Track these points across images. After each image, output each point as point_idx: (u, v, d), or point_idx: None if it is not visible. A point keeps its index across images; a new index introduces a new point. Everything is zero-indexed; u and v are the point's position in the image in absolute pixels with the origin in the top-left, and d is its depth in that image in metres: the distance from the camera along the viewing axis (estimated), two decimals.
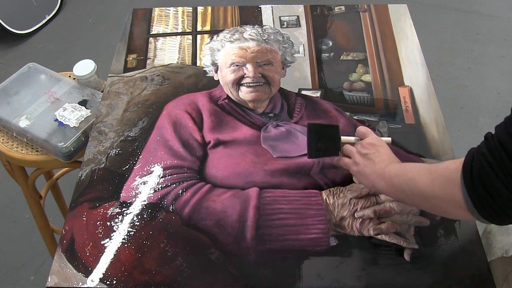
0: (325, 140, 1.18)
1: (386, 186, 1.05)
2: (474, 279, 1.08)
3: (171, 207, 1.21)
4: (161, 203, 1.22)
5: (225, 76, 1.46)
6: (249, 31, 1.56)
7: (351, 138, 1.19)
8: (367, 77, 1.54)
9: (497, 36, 3.27)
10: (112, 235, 1.16)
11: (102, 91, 1.59)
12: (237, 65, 1.46)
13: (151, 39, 1.69)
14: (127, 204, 1.22)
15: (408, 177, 1.00)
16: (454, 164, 0.89)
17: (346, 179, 1.25)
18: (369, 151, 1.12)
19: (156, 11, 1.79)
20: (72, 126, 1.48)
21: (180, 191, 1.23)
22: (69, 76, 1.71)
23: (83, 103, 1.55)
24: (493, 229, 1.17)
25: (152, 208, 1.21)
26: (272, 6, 1.77)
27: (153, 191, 1.24)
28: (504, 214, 0.83)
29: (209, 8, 1.79)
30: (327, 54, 1.62)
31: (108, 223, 1.18)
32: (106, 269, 1.10)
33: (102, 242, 1.15)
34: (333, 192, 1.21)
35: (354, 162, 1.14)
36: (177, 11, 1.79)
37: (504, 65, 3.08)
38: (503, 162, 0.80)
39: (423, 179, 0.95)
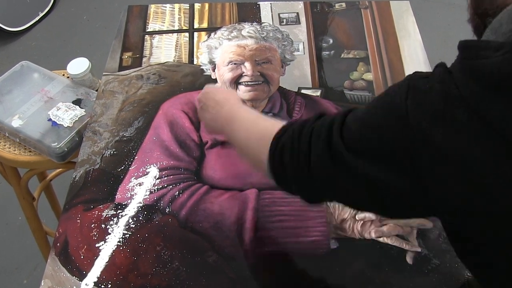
0: None
1: (221, 131, 1.13)
2: (478, 282, 1.09)
3: (167, 209, 1.21)
4: (157, 205, 1.22)
5: (223, 75, 1.46)
6: (248, 28, 1.56)
7: None
8: (369, 76, 1.54)
9: None
10: (107, 237, 1.16)
11: (96, 90, 1.59)
12: (235, 64, 1.46)
13: (147, 37, 1.69)
14: (122, 206, 1.22)
15: (235, 127, 1.05)
16: (274, 128, 0.92)
17: None
18: (202, 103, 1.20)
19: (152, 8, 1.79)
20: (66, 126, 1.48)
21: (177, 192, 1.24)
22: (63, 75, 1.70)
23: (77, 102, 1.55)
24: None
25: (148, 210, 1.21)
26: (271, 3, 1.77)
27: (149, 193, 1.24)
28: (293, 189, 0.88)
29: (207, 5, 1.79)
30: (327, 52, 1.62)
31: (103, 226, 1.18)
32: (101, 272, 1.10)
33: (97, 245, 1.15)
34: None
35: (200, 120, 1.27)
36: (174, 8, 1.79)
37: None
38: (297, 142, 0.84)
39: (243, 131, 1.02)
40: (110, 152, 1.34)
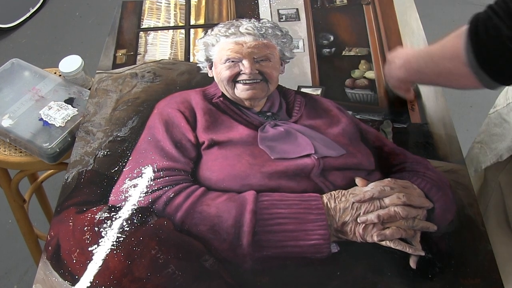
0: None
1: (408, 70, 1.26)
2: (485, 287, 1.09)
3: (162, 212, 1.21)
4: (152, 207, 1.22)
5: (220, 73, 1.46)
6: (246, 25, 1.55)
7: None
8: (371, 74, 1.54)
9: None
10: (100, 241, 1.16)
11: (89, 89, 1.59)
12: (232, 61, 1.46)
13: (141, 34, 1.69)
14: (116, 209, 1.22)
15: (421, 55, 1.19)
16: (463, 27, 0.97)
17: (349, 182, 1.25)
18: (390, 59, 1.38)
19: (147, 4, 1.79)
20: (57, 125, 1.48)
21: (172, 194, 1.23)
22: (55, 73, 1.71)
23: (70, 101, 1.55)
24: (483, 138, 1.41)
25: (143, 212, 1.21)
26: None
27: (143, 195, 1.24)
28: (503, 63, 0.90)
29: (203, 1, 1.79)
30: (328, 50, 1.62)
31: (96, 229, 1.18)
32: (94, 277, 1.10)
33: (90, 249, 1.15)
34: (334, 196, 1.21)
35: (385, 75, 1.43)
36: (169, 4, 1.79)
37: None
38: (507, 8, 0.86)
39: (435, 46, 1.10)
40: (104, 152, 1.34)
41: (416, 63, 1.21)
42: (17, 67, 1.66)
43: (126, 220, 1.20)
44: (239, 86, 1.43)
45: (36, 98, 1.56)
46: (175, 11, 1.77)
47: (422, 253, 1.13)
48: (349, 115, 1.43)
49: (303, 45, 1.63)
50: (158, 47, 1.64)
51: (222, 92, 1.45)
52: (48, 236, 1.18)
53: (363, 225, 1.16)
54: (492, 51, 0.87)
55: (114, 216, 1.20)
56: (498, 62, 0.88)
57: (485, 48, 0.88)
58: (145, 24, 1.72)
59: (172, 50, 1.63)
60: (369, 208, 1.17)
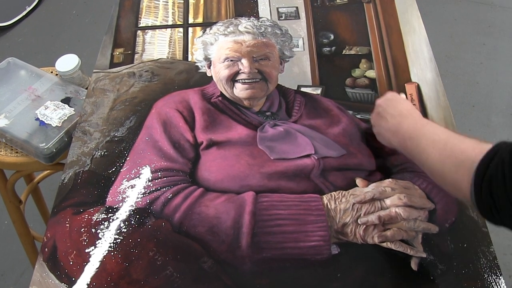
0: None
1: (399, 145, 1.11)
2: None
3: (160, 213, 1.21)
4: (150, 209, 1.22)
5: (218, 72, 1.46)
6: (245, 23, 1.55)
7: None
8: (371, 73, 1.54)
9: (511, 28, 3.28)
10: (97, 242, 1.16)
11: (86, 88, 1.59)
12: (231, 60, 1.46)
13: (139, 32, 1.69)
14: (113, 210, 1.22)
15: (421, 145, 1.03)
16: (474, 152, 0.90)
17: (349, 183, 1.25)
18: (381, 108, 1.17)
19: (145, 2, 1.79)
20: (54, 125, 1.48)
21: (171, 195, 1.23)
22: (51, 72, 1.71)
23: (66, 101, 1.55)
24: None
25: (141, 213, 1.21)
26: None
27: (141, 196, 1.24)
28: (504, 222, 0.86)
29: None
30: (328, 48, 1.62)
31: (93, 230, 1.18)
32: (91, 279, 1.10)
33: (87, 250, 1.15)
34: (334, 197, 1.21)
35: (373, 125, 1.21)
36: (167, 2, 1.79)
37: None
38: (510, 175, 0.81)
39: (435, 153, 0.98)
40: (101, 153, 1.34)
41: (411, 150, 1.06)
42: (13, 66, 1.66)
43: (124, 221, 1.20)
44: (238, 86, 1.43)
45: (32, 97, 1.55)
46: (173, 9, 1.77)
47: (424, 255, 1.13)
48: (349, 115, 1.43)
49: (303, 44, 1.63)
50: (156, 46, 1.64)
51: (221, 92, 1.45)
52: (45, 238, 1.18)
53: (364, 226, 1.16)
54: (495, 214, 0.86)
55: (112, 217, 1.20)
56: (498, 222, 0.87)
57: (489, 208, 0.86)
58: (143, 22, 1.72)
59: (170, 49, 1.63)
60: (370, 209, 1.17)
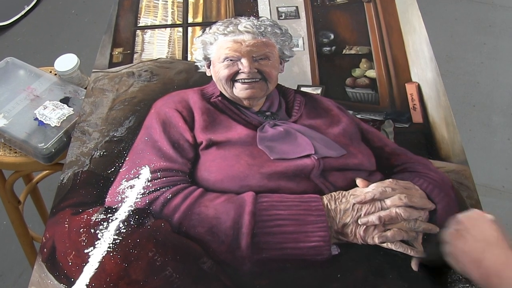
0: None
1: (480, 277, 0.93)
2: None
3: (160, 213, 1.21)
4: (149, 209, 1.22)
5: (218, 72, 1.46)
6: (244, 23, 1.55)
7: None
8: (372, 73, 1.54)
9: None
10: (96, 243, 1.16)
11: (85, 88, 1.59)
12: (231, 60, 1.45)
13: (138, 32, 1.69)
14: (112, 210, 1.22)
15: None
16: None
17: (349, 183, 1.25)
18: (463, 227, 1.00)
19: (144, 2, 1.79)
20: (53, 125, 1.48)
21: (170, 195, 1.23)
22: (50, 72, 1.70)
23: (65, 100, 1.55)
24: None
25: (140, 214, 1.21)
26: None
27: (140, 196, 1.24)
28: None
29: None
30: (328, 48, 1.62)
31: (92, 230, 1.18)
32: (90, 279, 1.10)
33: (86, 251, 1.15)
34: (334, 197, 1.21)
35: (446, 242, 1.03)
36: (167, 2, 1.79)
37: None
38: None
39: None
40: (100, 153, 1.34)
41: (500, 286, 0.89)
42: (11, 66, 1.66)
43: (123, 221, 1.20)
44: (238, 85, 1.43)
45: (31, 97, 1.55)
46: (172, 9, 1.77)
47: (424, 255, 1.13)
48: (349, 115, 1.43)
49: (303, 43, 1.63)
50: (155, 46, 1.64)
51: (221, 92, 1.45)
52: (43, 238, 1.18)
53: (364, 226, 1.16)
54: None
55: (111, 218, 1.20)
56: None
57: None
58: (142, 22, 1.72)
59: (169, 48, 1.63)
60: (370, 210, 1.17)
